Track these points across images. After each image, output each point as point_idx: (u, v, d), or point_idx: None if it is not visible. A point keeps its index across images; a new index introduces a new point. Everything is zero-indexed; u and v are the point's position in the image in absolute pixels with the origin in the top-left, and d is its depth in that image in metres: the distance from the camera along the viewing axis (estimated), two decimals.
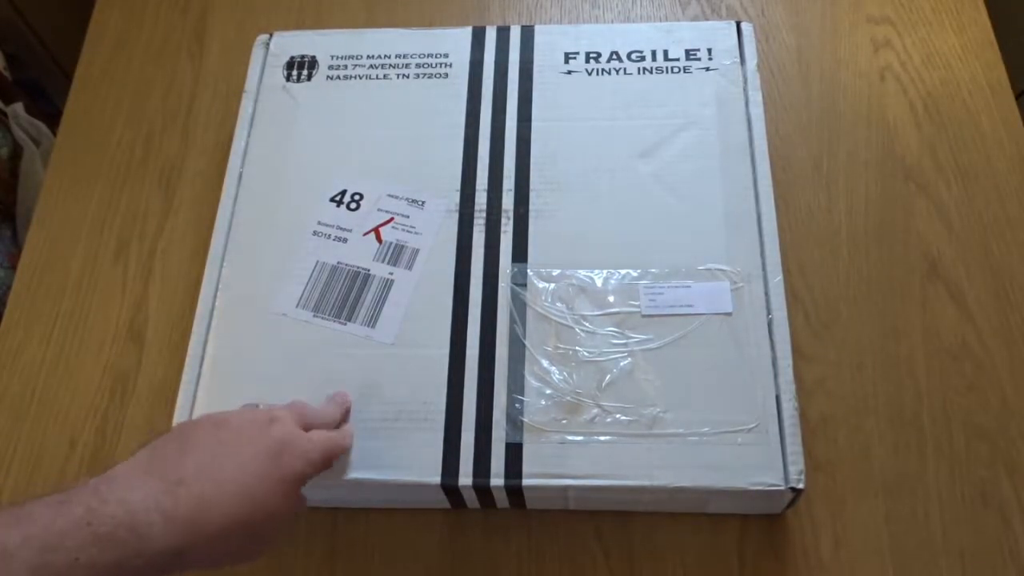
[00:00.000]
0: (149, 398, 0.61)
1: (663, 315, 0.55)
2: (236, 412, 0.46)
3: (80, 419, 0.60)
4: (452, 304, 0.57)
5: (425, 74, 0.66)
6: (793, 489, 0.50)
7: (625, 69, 0.65)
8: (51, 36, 1.13)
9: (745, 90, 0.63)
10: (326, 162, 0.63)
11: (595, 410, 0.53)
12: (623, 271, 0.57)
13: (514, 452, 0.52)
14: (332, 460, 0.48)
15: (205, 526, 0.39)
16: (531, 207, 0.60)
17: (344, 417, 0.52)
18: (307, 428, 0.47)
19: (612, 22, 0.75)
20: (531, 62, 0.66)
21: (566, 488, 0.51)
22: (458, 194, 0.61)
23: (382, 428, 0.53)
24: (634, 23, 0.74)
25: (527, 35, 0.67)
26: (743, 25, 0.66)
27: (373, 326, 0.56)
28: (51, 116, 1.08)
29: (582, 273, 0.57)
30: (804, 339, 0.60)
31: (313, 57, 0.67)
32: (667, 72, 0.65)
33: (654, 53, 0.65)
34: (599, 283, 0.57)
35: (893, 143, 0.67)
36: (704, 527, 0.55)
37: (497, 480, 0.51)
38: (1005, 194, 0.65)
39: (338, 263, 0.59)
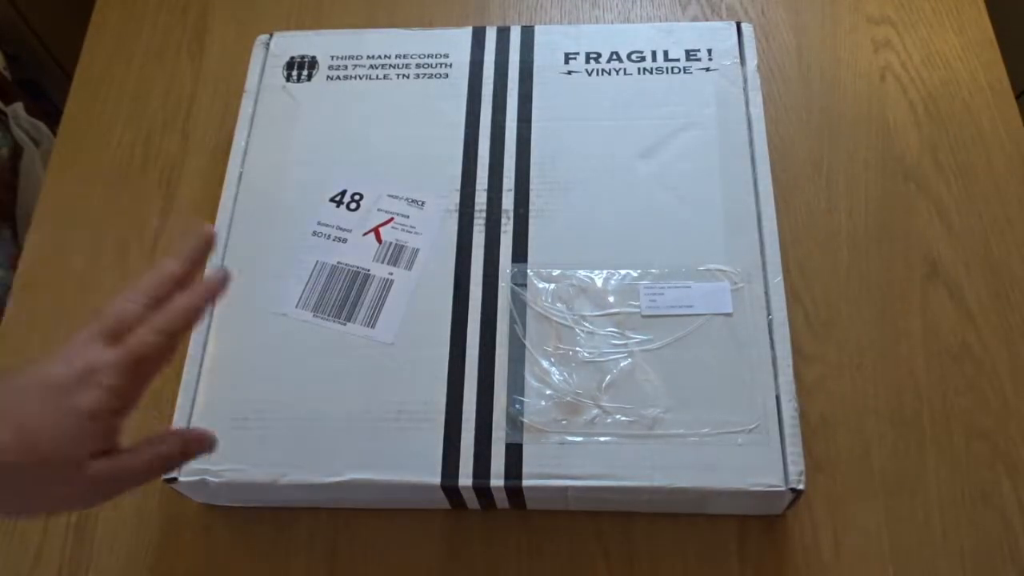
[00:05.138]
0: (149, 398, 0.60)
1: (663, 315, 0.55)
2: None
3: None
4: (452, 304, 0.57)
5: (425, 74, 0.66)
6: (793, 490, 0.50)
7: (625, 69, 0.65)
8: (51, 36, 1.13)
9: (745, 90, 0.63)
10: (326, 162, 0.63)
11: (595, 410, 0.53)
12: (623, 271, 0.57)
13: (514, 452, 0.52)
14: (142, 377, 0.42)
15: None
16: (531, 207, 0.60)
17: (192, 270, 0.44)
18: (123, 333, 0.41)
19: (612, 22, 0.75)
20: (531, 62, 0.66)
21: (566, 488, 0.51)
22: (458, 194, 0.61)
23: (382, 428, 0.53)
24: (634, 23, 0.74)
25: (527, 35, 0.67)
26: (743, 25, 0.66)
27: (373, 326, 0.56)
28: (51, 116, 1.08)
29: (582, 273, 0.57)
30: (804, 339, 0.60)
31: (313, 57, 0.67)
32: (667, 72, 0.65)
33: (654, 53, 0.65)
34: (599, 283, 0.57)
35: (893, 143, 0.67)
36: (704, 527, 0.55)
37: (497, 481, 0.51)
38: (1005, 194, 0.65)
39: (338, 263, 0.59)
